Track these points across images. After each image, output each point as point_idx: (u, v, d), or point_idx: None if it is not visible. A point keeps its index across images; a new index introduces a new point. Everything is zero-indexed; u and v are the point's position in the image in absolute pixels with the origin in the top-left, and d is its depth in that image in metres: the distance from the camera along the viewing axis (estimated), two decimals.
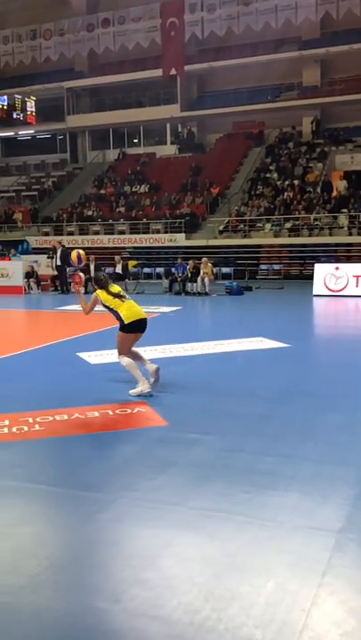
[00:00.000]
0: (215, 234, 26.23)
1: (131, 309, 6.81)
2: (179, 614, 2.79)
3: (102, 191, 32.41)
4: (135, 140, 35.99)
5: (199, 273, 19.09)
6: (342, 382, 7.29)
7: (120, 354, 6.84)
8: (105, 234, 28.40)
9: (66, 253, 20.45)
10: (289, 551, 3.35)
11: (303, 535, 3.52)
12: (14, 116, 35.28)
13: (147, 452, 4.92)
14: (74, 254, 8.14)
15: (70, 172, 35.83)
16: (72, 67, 34.64)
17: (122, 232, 28.07)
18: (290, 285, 21.22)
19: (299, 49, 29.39)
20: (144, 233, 27.51)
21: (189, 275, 19.41)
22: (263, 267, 24.21)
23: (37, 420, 5.78)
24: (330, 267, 18.52)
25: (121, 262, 21.36)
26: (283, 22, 27.40)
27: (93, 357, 8.71)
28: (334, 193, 26.11)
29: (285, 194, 26.86)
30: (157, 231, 27.25)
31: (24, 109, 35.45)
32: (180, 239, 26.17)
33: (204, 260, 19.51)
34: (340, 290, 17.75)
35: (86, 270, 20.18)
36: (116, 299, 6.82)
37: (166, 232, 26.94)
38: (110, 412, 6.04)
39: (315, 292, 17.85)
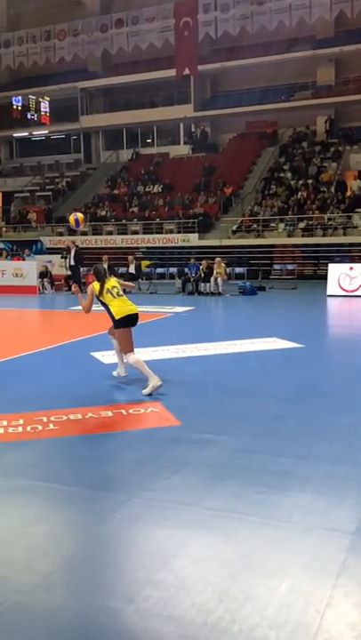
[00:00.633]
0: (228, 234, 26.19)
1: (121, 306, 7.00)
2: (192, 614, 2.78)
3: (116, 191, 32.48)
4: (148, 140, 36.02)
5: (212, 273, 19.07)
6: (357, 382, 7.25)
7: (125, 352, 6.94)
8: (118, 234, 28.46)
9: (79, 253, 20.58)
10: (303, 552, 3.33)
11: (318, 536, 3.50)
12: (28, 116, 35.51)
13: (160, 452, 4.92)
14: (71, 218, 8.24)
15: (84, 173, 35.94)
16: (86, 67, 34.77)
17: (135, 232, 28.12)
18: (303, 285, 21.14)
19: (313, 48, 29.26)
20: (157, 233, 27.52)
21: (202, 275, 19.40)
22: (277, 267, 24.15)
23: (51, 419, 5.80)
24: (344, 267, 18.44)
25: (134, 262, 21.41)
26: (297, 21, 27.34)
27: (107, 357, 8.72)
28: (348, 192, 25.97)
29: (299, 193, 26.75)
30: (170, 231, 27.26)
31: (38, 110, 35.65)
32: (193, 239, 26.15)
33: (217, 259, 19.49)
34: (355, 290, 17.65)
35: None
36: (109, 294, 7.01)
37: (179, 232, 26.95)
38: (124, 412, 6.04)
39: (329, 293, 17.77)
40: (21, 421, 5.73)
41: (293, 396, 6.64)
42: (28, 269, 20.72)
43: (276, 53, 29.32)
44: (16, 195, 35.93)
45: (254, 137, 31.86)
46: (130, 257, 22.02)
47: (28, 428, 5.54)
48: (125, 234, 28.28)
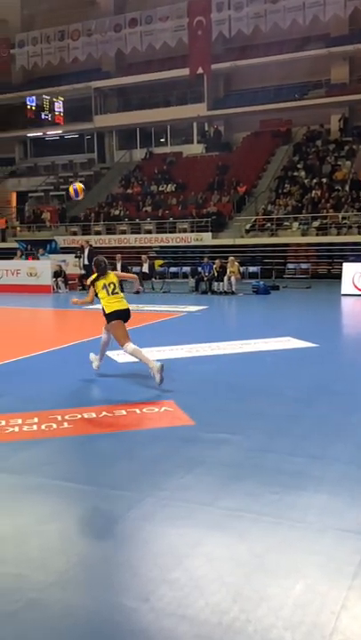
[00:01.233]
0: (242, 233, 26.14)
1: (112, 302, 7.23)
2: (207, 614, 2.78)
3: (129, 191, 32.53)
4: (162, 140, 36.04)
5: (225, 272, 19.04)
6: None
7: (122, 344, 7.16)
8: (132, 233, 28.51)
9: (93, 253, 20.64)
10: (318, 552, 3.32)
11: (333, 536, 3.48)
12: (43, 116, 35.68)
13: (174, 452, 4.92)
14: (70, 188, 8.37)
15: (98, 172, 36.04)
16: (99, 67, 34.86)
17: (148, 231, 28.15)
18: (318, 285, 21.04)
19: (327, 46, 29.10)
20: (170, 232, 27.53)
21: (216, 274, 19.37)
22: (290, 266, 24.04)
23: (66, 417, 5.83)
24: (358, 266, 18.30)
25: (148, 261, 21.43)
26: (310, 19, 27.21)
27: (121, 356, 8.73)
28: None
29: (313, 192, 26.64)
30: (184, 230, 27.26)
31: (52, 110, 35.80)
32: (207, 238, 26.13)
33: (230, 258, 19.46)
34: None
35: (113, 270, 20.28)
36: (104, 290, 7.25)
37: (193, 231, 26.94)
38: (138, 411, 6.05)
39: (343, 292, 17.67)
40: (36, 420, 5.76)
41: (307, 395, 6.62)
42: (42, 269, 20.81)
43: (289, 52, 29.21)
44: (30, 194, 36.12)
45: (268, 135, 31.76)
46: (143, 256, 22.05)
47: (43, 427, 5.56)
48: (139, 233, 28.33)
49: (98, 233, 29.14)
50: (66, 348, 9.74)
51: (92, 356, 7.71)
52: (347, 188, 26.37)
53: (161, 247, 27.27)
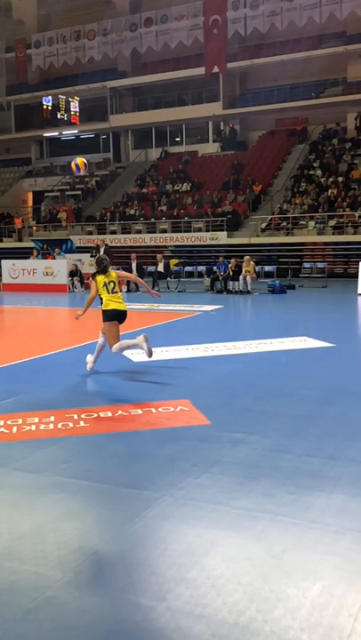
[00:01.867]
0: (257, 232, 26.08)
1: (111, 301, 7.50)
2: (224, 614, 2.78)
3: (144, 190, 32.58)
4: (177, 139, 36.05)
5: (241, 271, 19.00)
6: None
7: (110, 345, 7.40)
8: (147, 232, 28.56)
9: (109, 252, 20.70)
10: (335, 554, 3.30)
11: (350, 538, 3.46)
12: (58, 116, 35.82)
13: (190, 451, 4.92)
14: (72, 165, 8.49)
15: (113, 172, 36.14)
16: (115, 66, 34.95)
17: (164, 231, 28.17)
18: (334, 284, 20.93)
19: (343, 43, 28.93)
20: (186, 231, 27.54)
21: (231, 273, 19.34)
22: (306, 265, 23.93)
23: (82, 416, 5.85)
24: None
25: (163, 261, 21.45)
26: (327, 17, 27.04)
27: (136, 355, 8.76)
28: None
29: (329, 191, 26.50)
30: (199, 230, 27.25)
31: (68, 110, 35.94)
32: (222, 237, 26.11)
33: (246, 258, 19.42)
34: None
35: (128, 269, 20.35)
36: (105, 288, 7.53)
37: (208, 230, 26.92)
38: (153, 410, 6.06)
39: (359, 291, 17.57)
40: (52, 418, 5.79)
41: (324, 395, 6.58)
42: (58, 268, 20.91)
43: (305, 49, 29.08)
44: (46, 194, 36.32)
45: (284, 134, 31.66)
46: (158, 255, 22.08)
47: (59, 425, 5.59)
48: (154, 232, 28.37)
49: (113, 232, 29.23)
50: (81, 347, 9.77)
51: (89, 357, 7.83)
52: None
53: (176, 246, 27.29)
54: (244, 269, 18.99)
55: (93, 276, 7.62)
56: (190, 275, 24.68)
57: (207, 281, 20.34)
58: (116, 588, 3.03)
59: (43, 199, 36.22)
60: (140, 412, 6.03)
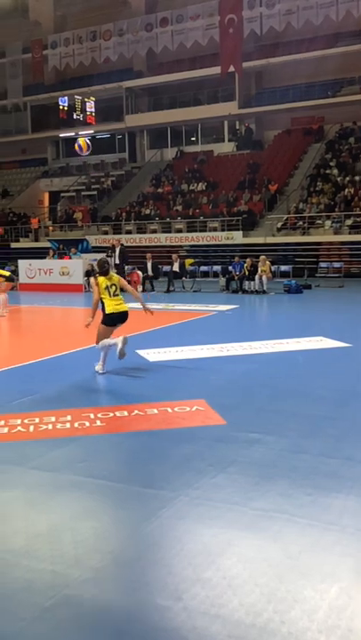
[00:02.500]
0: (273, 231, 25.97)
1: (113, 304, 7.71)
2: (240, 615, 2.77)
3: (160, 190, 32.59)
4: (193, 139, 36.02)
5: (257, 271, 18.94)
6: None
7: (96, 342, 7.76)
8: (162, 232, 28.55)
9: (124, 252, 20.77)
10: (353, 556, 3.28)
11: None
12: (74, 116, 35.93)
13: (206, 451, 4.92)
14: (76, 145, 8.82)
15: (129, 172, 36.20)
16: (131, 66, 35.00)
17: (179, 230, 28.16)
18: (350, 284, 20.79)
19: (360, 42, 28.68)
20: (201, 231, 27.50)
21: (247, 273, 19.29)
22: (323, 264, 23.77)
23: (98, 415, 5.87)
24: None
25: (178, 261, 21.45)
26: (343, 15, 26.86)
27: (152, 355, 8.77)
28: None
29: (346, 190, 26.31)
30: (215, 229, 27.20)
31: (84, 110, 36.04)
32: (238, 237, 26.03)
33: (262, 257, 19.35)
34: None
35: (144, 269, 20.38)
36: (106, 291, 7.73)
37: (223, 230, 26.86)
38: (169, 410, 6.06)
39: None
40: (69, 417, 5.81)
41: (341, 396, 6.54)
42: (74, 268, 20.99)
43: (321, 48, 28.88)
44: (62, 194, 36.46)
45: (300, 133, 31.49)
46: (174, 255, 22.07)
47: (76, 424, 5.61)
48: (169, 232, 28.35)
49: (129, 232, 29.27)
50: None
51: (98, 366, 7.83)
52: None
53: (191, 246, 27.26)
54: (259, 269, 18.93)
55: (95, 276, 7.80)
56: (206, 274, 24.64)
57: (222, 281, 20.30)
58: (132, 588, 3.04)
59: (59, 199, 36.36)
60: (155, 411, 6.04)
